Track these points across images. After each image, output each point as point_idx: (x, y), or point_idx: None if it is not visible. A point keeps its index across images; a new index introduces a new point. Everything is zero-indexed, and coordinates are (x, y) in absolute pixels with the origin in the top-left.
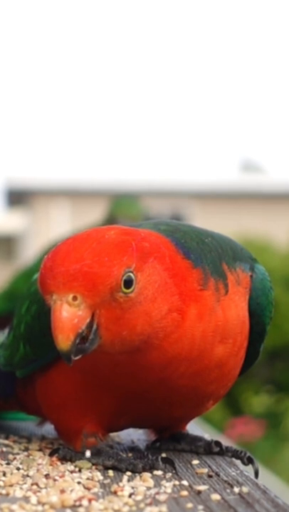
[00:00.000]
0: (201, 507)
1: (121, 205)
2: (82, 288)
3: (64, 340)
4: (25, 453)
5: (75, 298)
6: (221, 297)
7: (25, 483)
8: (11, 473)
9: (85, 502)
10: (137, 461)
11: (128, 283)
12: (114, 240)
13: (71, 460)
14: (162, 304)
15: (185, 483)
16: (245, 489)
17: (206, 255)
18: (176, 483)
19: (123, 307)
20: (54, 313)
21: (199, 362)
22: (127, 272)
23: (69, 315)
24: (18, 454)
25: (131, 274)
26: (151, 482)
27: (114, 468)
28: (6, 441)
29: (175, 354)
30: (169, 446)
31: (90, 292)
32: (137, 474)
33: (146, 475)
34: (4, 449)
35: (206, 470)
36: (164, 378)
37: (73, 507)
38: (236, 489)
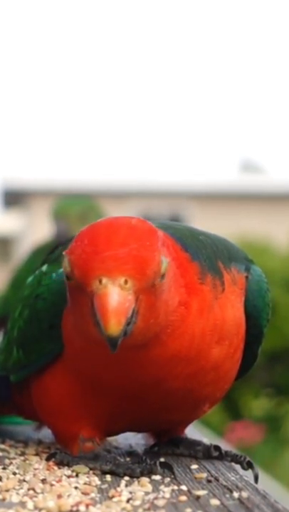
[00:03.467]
0: None
1: (58, 206)
2: (133, 271)
3: (116, 325)
4: (22, 457)
5: (126, 281)
6: (218, 295)
7: (21, 488)
8: (7, 478)
9: (82, 507)
10: (135, 466)
11: (164, 269)
12: (144, 226)
13: (68, 465)
14: (175, 295)
15: (184, 488)
16: (244, 494)
17: (202, 251)
18: (175, 488)
19: (156, 294)
20: (104, 297)
21: (196, 362)
22: (162, 257)
23: (121, 299)
24: (14, 458)
25: (164, 260)
26: (149, 487)
27: (111, 473)
28: (3, 446)
29: (176, 352)
30: (168, 451)
31: (141, 276)
32: (135, 479)
33: (145, 480)
34: (0, 454)
35: (205, 475)
36: (160, 379)
37: None
38: (236, 494)
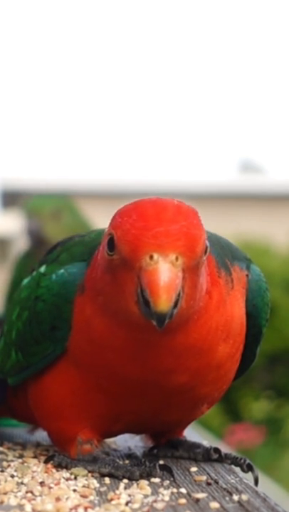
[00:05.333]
0: None
1: (31, 204)
2: (184, 248)
3: (167, 301)
4: (20, 460)
5: (177, 258)
6: (229, 291)
7: (19, 491)
8: (5, 481)
9: (81, 510)
10: (134, 469)
11: (207, 249)
12: (187, 206)
13: (66, 467)
14: (204, 281)
15: (183, 490)
16: (244, 497)
17: (211, 247)
18: (174, 490)
19: (198, 274)
20: (156, 273)
21: (205, 357)
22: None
23: (172, 275)
24: (12, 461)
25: (207, 241)
26: (148, 490)
27: (110, 475)
28: (0, 448)
29: (194, 341)
30: (167, 453)
31: (191, 253)
32: (134, 482)
33: (144, 482)
34: None
35: (204, 477)
36: (171, 371)
37: None
38: (235, 497)
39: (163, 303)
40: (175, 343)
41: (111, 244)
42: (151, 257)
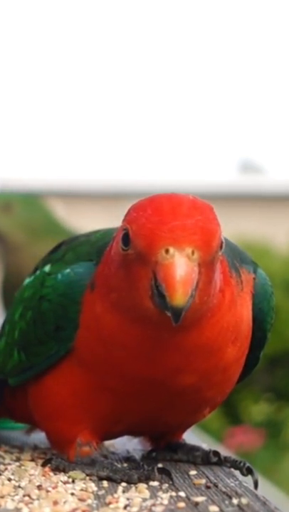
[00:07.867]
0: None
1: None
2: (200, 242)
3: (183, 295)
4: (17, 463)
5: (193, 252)
6: (239, 292)
7: (17, 495)
8: (2, 484)
9: None
10: (132, 472)
11: (222, 244)
12: (202, 201)
13: (64, 470)
14: (218, 278)
15: (182, 494)
16: (244, 500)
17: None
18: (173, 494)
19: (213, 270)
20: (172, 267)
21: (213, 358)
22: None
23: (189, 269)
24: (9, 464)
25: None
26: (147, 493)
27: (108, 478)
28: None
29: (206, 340)
30: (166, 456)
31: (207, 248)
32: (132, 485)
33: (142, 486)
34: None
35: (203, 481)
36: (179, 370)
37: None
38: (235, 500)
39: (179, 297)
40: (187, 340)
41: (126, 238)
42: (167, 251)
